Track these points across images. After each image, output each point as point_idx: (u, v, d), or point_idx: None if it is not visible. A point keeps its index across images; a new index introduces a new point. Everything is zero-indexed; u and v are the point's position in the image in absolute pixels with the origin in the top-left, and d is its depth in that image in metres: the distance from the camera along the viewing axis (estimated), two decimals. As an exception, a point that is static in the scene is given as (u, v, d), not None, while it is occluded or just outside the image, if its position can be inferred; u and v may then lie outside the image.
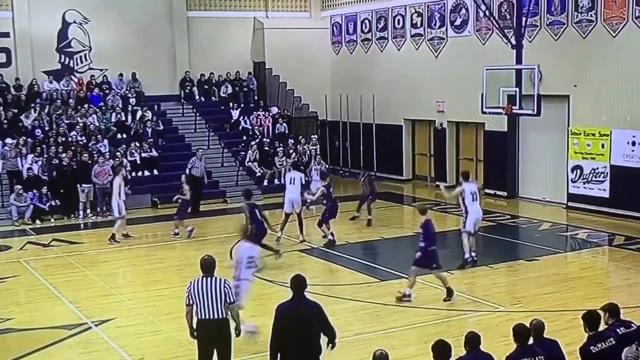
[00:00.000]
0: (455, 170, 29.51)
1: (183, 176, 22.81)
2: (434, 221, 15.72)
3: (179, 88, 32.46)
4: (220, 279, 10.04)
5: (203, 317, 9.99)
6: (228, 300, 9.98)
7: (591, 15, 23.63)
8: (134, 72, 31.49)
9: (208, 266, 10.16)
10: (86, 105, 29.37)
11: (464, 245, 17.66)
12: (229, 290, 10.00)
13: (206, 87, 32.74)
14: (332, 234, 20.36)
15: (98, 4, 31.28)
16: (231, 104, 32.04)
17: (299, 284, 9.40)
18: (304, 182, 21.78)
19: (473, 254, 17.73)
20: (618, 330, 9.06)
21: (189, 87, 32.34)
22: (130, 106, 30.33)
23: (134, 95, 30.93)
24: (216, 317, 9.96)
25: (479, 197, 18.01)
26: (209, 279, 10.02)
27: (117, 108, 29.75)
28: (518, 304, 14.89)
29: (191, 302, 10.01)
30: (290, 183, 21.29)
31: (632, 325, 9.26)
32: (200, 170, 25.75)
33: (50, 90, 29.98)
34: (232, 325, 10.31)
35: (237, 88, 33.00)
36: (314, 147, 30.32)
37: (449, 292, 15.14)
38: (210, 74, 32.79)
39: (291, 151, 29.54)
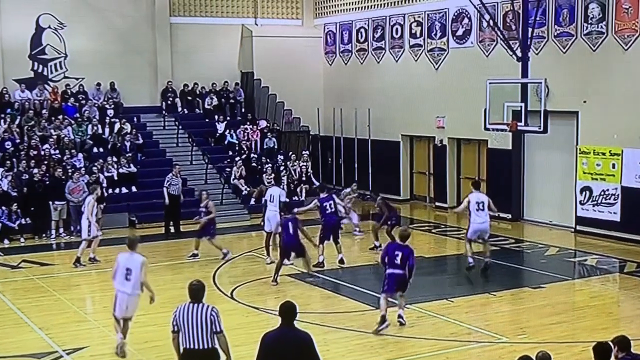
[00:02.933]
0: (457, 190, 29.58)
1: (203, 192, 22.22)
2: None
3: (160, 99, 32.49)
4: (207, 306, 9.97)
5: (189, 346, 9.93)
6: (215, 329, 9.92)
7: (601, 27, 23.75)
8: (113, 82, 31.49)
9: (195, 292, 10.10)
10: (60, 117, 29.31)
11: (465, 251, 19.16)
12: (215, 318, 9.93)
13: (190, 98, 32.77)
14: (320, 256, 20.38)
15: (75, 8, 31.30)
16: (216, 117, 32.07)
17: (289, 311, 9.31)
18: (284, 199, 21.60)
19: (470, 259, 18.99)
20: (629, 364, 9.05)
21: (171, 98, 32.36)
22: (107, 118, 30.31)
23: (112, 106, 30.90)
24: (202, 346, 9.89)
25: (486, 208, 18.87)
26: (196, 305, 9.96)
27: (94, 120, 29.72)
28: (522, 335, 14.85)
29: (176, 329, 9.97)
30: (270, 200, 21.32)
31: (644, 359, 9.24)
32: (178, 187, 25.68)
33: (22, 99, 29.94)
34: (223, 357, 10.18)
35: (223, 100, 33.04)
36: (305, 164, 30.33)
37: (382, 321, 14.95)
38: (194, 84, 32.84)
39: (281, 168, 29.55)
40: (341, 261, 20.67)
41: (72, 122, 29.36)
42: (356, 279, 19.65)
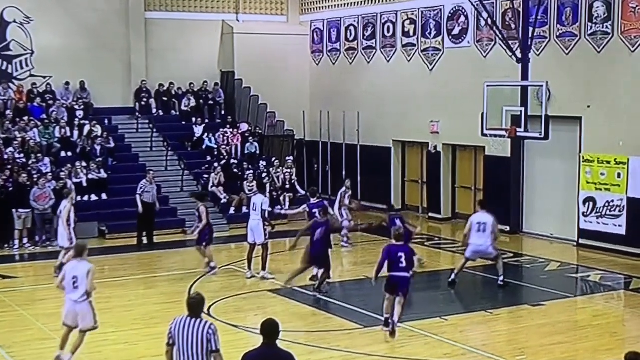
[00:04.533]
0: (451, 200, 29.64)
1: (199, 204, 21.84)
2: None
3: (133, 100, 32.46)
4: (205, 322, 9.97)
5: None
6: (211, 348, 9.93)
7: (607, 27, 23.86)
8: (83, 81, 31.45)
9: (194, 306, 10.13)
10: (26, 118, 29.23)
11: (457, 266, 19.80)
12: (212, 336, 9.93)
13: (165, 99, 32.75)
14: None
15: (42, 1, 31.25)
16: (194, 119, 32.06)
17: (270, 329, 9.29)
18: (266, 207, 21.27)
19: (453, 276, 19.68)
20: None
21: (145, 99, 32.33)
22: (77, 120, 30.25)
23: (82, 107, 30.85)
24: None
25: (488, 230, 19.09)
26: (193, 320, 9.98)
27: (62, 122, 29.63)
28: (521, 356, 14.87)
29: (172, 342, 10.00)
30: (253, 209, 21.17)
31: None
32: (152, 195, 25.61)
33: (-16, 99, 29.89)
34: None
35: (201, 101, 33.04)
36: (289, 171, 30.33)
37: None
38: (170, 84, 32.84)
39: (264, 175, 29.52)
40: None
41: (39, 123, 29.24)
42: (343, 295, 19.63)
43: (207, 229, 21.54)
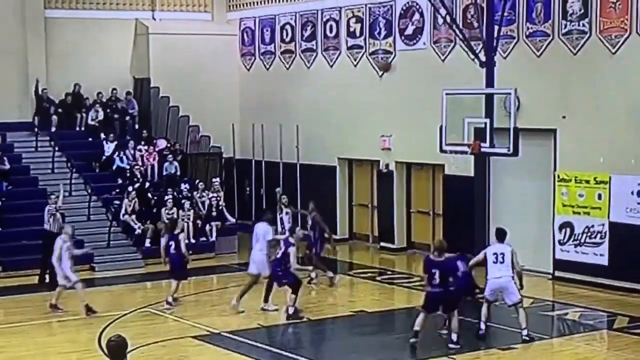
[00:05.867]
0: (406, 227, 29.70)
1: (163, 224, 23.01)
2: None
3: (32, 113, 32.14)
4: None
5: None
6: None
7: (583, 25, 24.15)
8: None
9: (116, 350, 10.01)
10: None
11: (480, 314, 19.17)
12: None
13: (69, 111, 32.48)
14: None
15: None
16: (102, 135, 31.84)
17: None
18: (269, 237, 21.98)
19: (482, 325, 19.04)
20: None
21: (45, 112, 32.03)
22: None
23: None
24: None
25: (507, 260, 18.75)
26: None
27: (-55, 139, 29.29)
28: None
29: None
30: (256, 240, 22.04)
31: None
32: (57, 224, 25.31)
33: None
34: None
35: (111, 113, 32.82)
36: (217, 195, 30.20)
37: None
38: (75, 91, 32.63)
39: (183, 200, 29.33)
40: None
41: None
42: (280, 341, 19.67)
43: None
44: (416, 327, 17.84)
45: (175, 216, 27.48)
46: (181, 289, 22.78)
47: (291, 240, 21.07)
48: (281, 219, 25.71)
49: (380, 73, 21.87)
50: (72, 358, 17.63)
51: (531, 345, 18.72)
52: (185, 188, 30.22)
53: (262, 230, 21.98)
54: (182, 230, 23.48)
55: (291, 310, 20.66)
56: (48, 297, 22.30)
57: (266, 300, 21.53)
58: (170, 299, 22.01)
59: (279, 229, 25.27)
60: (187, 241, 22.47)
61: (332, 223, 31.11)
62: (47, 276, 25.05)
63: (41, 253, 25.13)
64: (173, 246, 22.10)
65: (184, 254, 22.13)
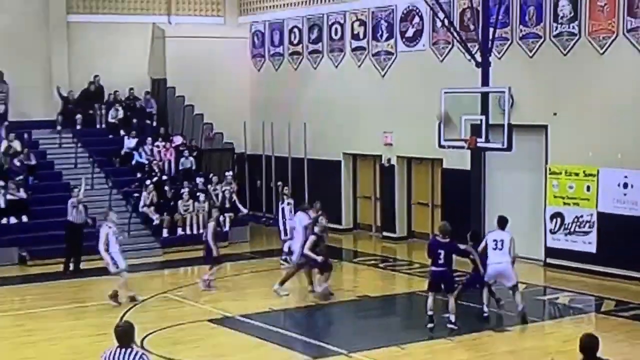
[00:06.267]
0: (407, 218, 29.84)
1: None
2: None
3: (56, 112, 32.31)
4: (136, 352, 10.04)
5: None
6: None
7: (573, 27, 24.27)
8: (1, 72, 31.22)
9: (123, 335, 10.18)
10: None
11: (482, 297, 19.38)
12: None
13: (91, 111, 32.66)
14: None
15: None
16: (122, 132, 32.00)
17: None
18: (305, 223, 22.46)
19: (485, 309, 19.29)
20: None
21: (69, 111, 32.18)
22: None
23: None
24: None
25: (505, 247, 19.01)
26: (124, 350, 10.03)
27: (-25, 137, 29.44)
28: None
29: None
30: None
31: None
32: (81, 216, 25.53)
33: None
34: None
35: (129, 112, 32.98)
36: (229, 188, 30.33)
37: None
38: (95, 87, 32.70)
39: (198, 193, 29.51)
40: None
41: (-51, 139, 29.04)
42: (290, 324, 19.80)
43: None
44: (429, 312, 18.26)
45: (191, 208, 27.85)
46: (197, 275, 23.09)
47: (316, 229, 21.44)
48: (282, 209, 25.81)
49: (437, 121, 22.09)
50: (95, 340, 17.70)
51: (525, 327, 18.89)
52: (200, 181, 30.35)
53: (300, 220, 22.68)
54: (212, 219, 23.62)
55: (319, 289, 21.18)
56: (72, 284, 22.43)
57: (311, 283, 21.83)
58: (207, 280, 22.54)
59: (280, 219, 25.54)
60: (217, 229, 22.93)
61: (338, 214, 31.37)
62: (71, 265, 25.29)
63: (65, 243, 25.43)
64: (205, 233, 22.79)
65: (206, 240, 22.58)
